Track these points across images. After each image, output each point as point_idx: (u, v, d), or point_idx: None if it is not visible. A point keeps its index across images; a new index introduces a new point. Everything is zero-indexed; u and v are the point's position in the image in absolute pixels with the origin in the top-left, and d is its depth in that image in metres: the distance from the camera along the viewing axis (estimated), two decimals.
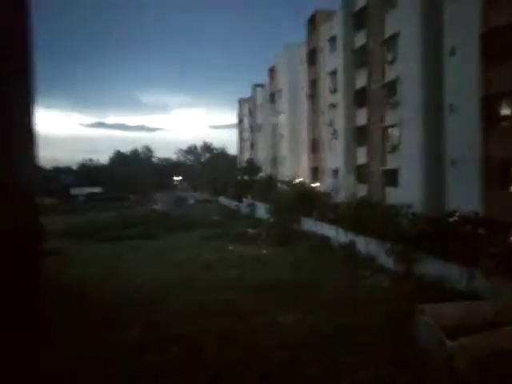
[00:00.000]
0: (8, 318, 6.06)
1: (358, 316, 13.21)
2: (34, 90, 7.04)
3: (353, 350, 10.13)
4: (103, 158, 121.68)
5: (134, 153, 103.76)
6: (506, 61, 18.00)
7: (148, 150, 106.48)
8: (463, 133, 20.26)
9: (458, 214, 17.87)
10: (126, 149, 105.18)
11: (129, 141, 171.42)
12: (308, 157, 41.51)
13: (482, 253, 15.09)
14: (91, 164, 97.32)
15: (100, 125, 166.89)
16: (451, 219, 17.96)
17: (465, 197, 19.57)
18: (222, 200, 58.80)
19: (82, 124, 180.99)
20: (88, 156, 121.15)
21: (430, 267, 17.08)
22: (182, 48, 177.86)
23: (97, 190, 77.99)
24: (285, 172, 45.73)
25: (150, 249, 27.85)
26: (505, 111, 18.68)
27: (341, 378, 7.91)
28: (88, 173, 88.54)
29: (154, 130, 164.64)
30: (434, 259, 17.02)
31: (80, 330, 12.44)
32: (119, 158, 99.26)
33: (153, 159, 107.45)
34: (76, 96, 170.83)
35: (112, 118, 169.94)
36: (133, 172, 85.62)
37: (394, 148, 26.37)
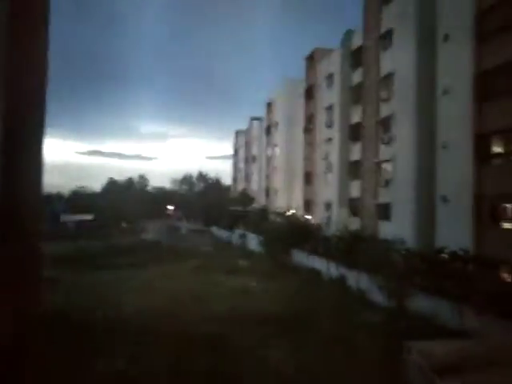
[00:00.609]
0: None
1: (348, 354, 12.82)
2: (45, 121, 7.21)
3: None
4: (97, 186, 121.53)
5: (129, 181, 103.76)
6: (498, 100, 18.47)
7: (143, 179, 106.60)
8: (455, 170, 20.50)
9: (447, 250, 17.79)
10: (121, 177, 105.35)
11: (124, 169, 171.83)
12: (301, 189, 41.69)
13: (472, 290, 14.91)
14: (83, 191, 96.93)
15: (96, 153, 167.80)
16: (441, 256, 17.85)
17: (455, 233, 19.55)
18: (215, 230, 58.41)
19: (77, 152, 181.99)
20: (81, 183, 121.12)
21: (422, 303, 16.82)
22: (182, 79, 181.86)
23: (88, 217, 77.25)
24: (278, 203, 45.77)
25: (138, 279, 27.25)
26: (497, 149, 19.00)
27: None
28: (80, 200, 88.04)
29: (150, 159, 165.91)
30: (426, 295, 16.79)
31: (64, 359, 11.95)
32: (112, 186, 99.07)
33: (147, 188, 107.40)
34: (72, 123, 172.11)
35: (108, 146, 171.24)
36: (125, 200, 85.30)
37: (387, 183, 26.56)
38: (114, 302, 20.60)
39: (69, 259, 34.09)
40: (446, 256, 17.67)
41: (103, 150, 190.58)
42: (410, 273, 18.33)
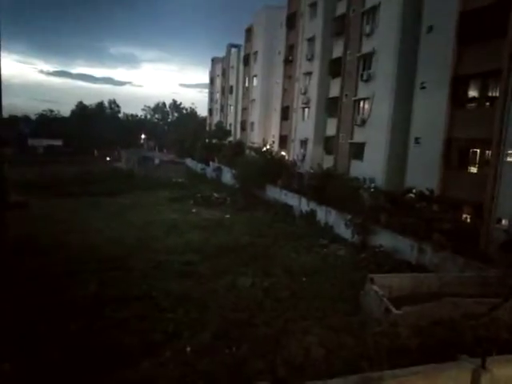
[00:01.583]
0: None
1: (312, 282, 13.71)
2: None
3: (304, 315, 10.56)
4: (65, 109, 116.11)
5: (100, 106, 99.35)
6: (477, 43, 18.28)
7: (114, 105, 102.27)
8: (430, 112, 20.69)
9: (414, 190, 18.55)
10: (90, 101, 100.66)
11: (94, 93, 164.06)
12: (278, 124, 41.33)
13: (434, 228, 15.85)
14: (51, 115, 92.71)
15: (63, 74, 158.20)
16: (408, 195, 18.63)
17: (424, 175, 20.25)
18: (189, 162, 58.07)
19: (42, 71, 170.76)
20: (48, 106, 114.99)
21: (385, 239, 17.83)
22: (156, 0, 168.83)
23: (57, 142, 74.74)
24: (254, 138, 45.46)
25: (112, 206, 27.34)
26: (472, 93, 19.17)
27: (290, 340, 8.26)
28: (48, 123, 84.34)
29: (121, 83, 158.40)
30: (390, 232, 17.75)
31: (41, 284, 12.26)
32: (82, 111, 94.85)
33: (119, 115, 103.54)
34: (38, 40, 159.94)
35: (77, 68, 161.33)
36: (97, 127, 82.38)
37: (363, 122, 26.64)
38: (88, 228, 20.79)
39: (37, 185, 33.52)
40: (412, 196, 18.45)
41: (71, 72, 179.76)
42: (376, 210, 19.18)
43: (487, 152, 17.81)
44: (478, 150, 18.58)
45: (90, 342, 9.16)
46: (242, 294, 12.58)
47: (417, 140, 21.55)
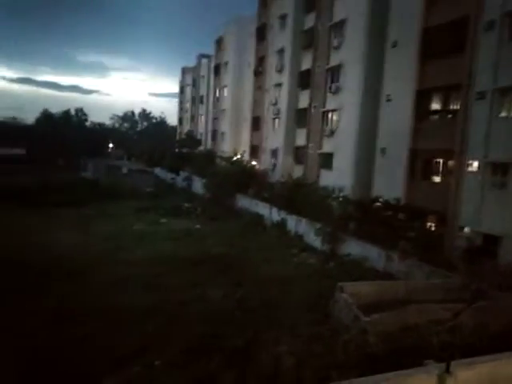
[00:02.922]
0: None
1: (282, 291, 13.72)
2: None
3: (275, 324, 10.52)
4: (30, 117, 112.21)
5: (66, 114, 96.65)
6: (438, 58, 19.10)
7: (81, 113, 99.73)
8: (395, 124, 21.36)
9: (381, 199, 19.01)
10: (56, 109, 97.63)
11: (60, 101, 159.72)
12: (249, 134, 41.53)
13: (400, 236, 16.26)
14: (14, 122, 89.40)
15: (28, 81, 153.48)
16: (375, 204, 19.08)
17: (390, 184, 20.82)
18: (158, 172, 57.26)
19: (5, 78, 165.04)
20: (11, 114, 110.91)
21: (354, 248, 18.13)
22: (127, 7, 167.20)
23: (19, 151, 71.92)
24: (224, 147, 45.45)
25: (77, 217, 26.49)
26: (435, 106, 19.95)
27: (261, 351, 8.20)
28: (10, 132, 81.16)
29: (89, 92, 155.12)
30: (358, 241, 18.07)
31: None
32: (47, 119, 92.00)
33: (86, 123, 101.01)
34: (0, 46, 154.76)
35: (43, 76, 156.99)
36: (63, 135, 79.99)
37: (332, 132, 27.19)
38: (50, 239, 20.05)
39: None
40: (379, 204, 18.90)
41: (36, 79, 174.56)
42: (345, 219, 19.51)
43: (449, 162, 18.53)
44: (441, 161, 19.32)
45: (51, 360, 8.77)
46: (213, 305, 12.42)
47: (383, 150, 22.17)
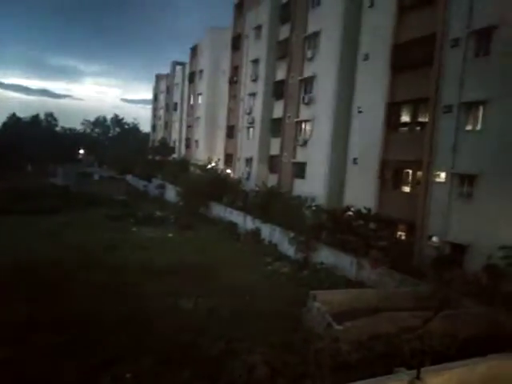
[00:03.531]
0: None
1: (256, 300, 13.68)
2: None
3: (248, 333, 10.47)
4: None
5: (35, 119, 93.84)
6: (408, 72, 19.77)
7: (51, 118, 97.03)
8: (366, 135, 21.88)
9: (353, 208, 19.35)
10: (25, 114, 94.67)
11: (29, 105, 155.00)
12: (223, 142, 41.52)
13: (371, 245, 16.58)
14: None
15: None
16: (347, 213, 19.39)
17: (361, 194, 21.24)
18: (130, 179, 56.31)
19: None
20: None
21: (327, 256, 18.34)
22: (102, 11, 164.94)
23: None
24: (199, 155, 45.24)
25: (44, 225, 25.58)
26: (405, 118, 20.57)
27: (234, 360, 8.14)
28: None
29: (59, 96, 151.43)
30: (330, 249, 18.30)
31: None
32: (15, 123, 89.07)
33: (56, 128, 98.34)
34: None
35: (10, 78, 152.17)
36: (31, 140, 77.56)
37: (305, 142, 27.54)
38: (16, 248, 19.31)
39: None
40: (351, 214, 19.22)
41: (4, 82, 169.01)
42: (318, 228, 19.73)
43: (418, 173, 19.09)
44: (411, 171, 19.88)
45: (20, 371, 8.41)
46: (186, 315, 12.25)
47: (355, 160, 22.62)
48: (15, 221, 26.30)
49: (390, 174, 20.56)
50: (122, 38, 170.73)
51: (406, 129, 20.69)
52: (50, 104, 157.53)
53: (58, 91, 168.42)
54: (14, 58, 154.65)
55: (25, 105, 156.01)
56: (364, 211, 18.91)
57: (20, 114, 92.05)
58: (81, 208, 32.66)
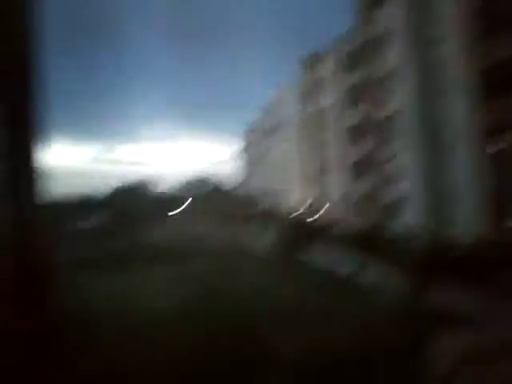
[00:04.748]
0: None
1: None
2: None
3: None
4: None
5: (135, 186, 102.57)
6: None
7: (149, 184, 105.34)
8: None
9: None
10: (124, 184, 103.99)
11: (126, 176, 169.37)
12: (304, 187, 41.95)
13: None
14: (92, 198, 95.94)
15: (97, 160, 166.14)
16: None
17: None
18: None
19: (81, 158, 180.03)
20: (85, 191, 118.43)
21: None
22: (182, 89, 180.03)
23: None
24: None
25: None
26: None
27: None
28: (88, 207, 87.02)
29: (152, 164, 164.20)
30: None
31: None
32: (119, 193, 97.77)
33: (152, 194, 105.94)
34: (75, 129, 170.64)
35: (109, 153, 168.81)
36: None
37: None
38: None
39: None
40: None
41: (104, 157, 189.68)
42: None
43: None
44: None
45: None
46: None
47: None
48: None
49: None
50: (201, 106, 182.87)
51: None
52: (143, 172, 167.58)
53: (148, 160, 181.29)
54: (108, 133, 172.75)
55: (123, 175, 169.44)
56: None
57: (120, 185, 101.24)
58: None
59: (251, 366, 8.94)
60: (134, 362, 9.27)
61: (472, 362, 9.89)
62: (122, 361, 9.33)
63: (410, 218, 24.46)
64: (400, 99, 26.05)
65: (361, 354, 9.29)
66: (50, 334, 6.84)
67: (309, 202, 41.71)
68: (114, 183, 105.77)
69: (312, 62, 39.94)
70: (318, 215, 38.03)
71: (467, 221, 20.20)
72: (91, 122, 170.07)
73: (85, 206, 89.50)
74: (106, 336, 11.03)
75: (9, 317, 5.91)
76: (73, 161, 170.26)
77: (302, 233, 32.62)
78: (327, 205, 36.63)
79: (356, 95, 31.74)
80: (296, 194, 46.28)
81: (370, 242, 23.74)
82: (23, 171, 6.31)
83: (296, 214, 37.74)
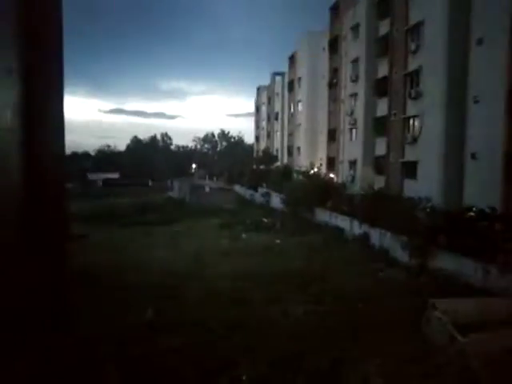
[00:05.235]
0: (38, 303, 6.15)
1: (368, 309, 13.14)
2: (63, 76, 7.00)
3: (361, 344, 10.09)
4: (121, 144, 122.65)
5: (153, 140, 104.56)
6: None
7: (167, 137, 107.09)
8: (486, 126, 19.72)
9: (474, 208, 17.49)
10: (144, 135, 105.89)
11: (147, 127, 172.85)
12: (325, 147, 41.15)
13: (498, 248, 14.79)
14: (109, 150, 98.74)
15: (119, 111, 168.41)
16: (468, 214, 17.60)
17: (483, 192, 19.13)
18: (238, 189, 58.94)
19: (100, 110, 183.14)
20: (106, 142, 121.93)
21: (446, 262, 16.83)
22: (201, 35, 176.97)
23: (114, 175, 79.22)
24: (301, 162, 45.47)
25: (166, 235, 28.23)
26: None
27: (348, 372, 7.90)
28: (105, 158, 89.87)
29: (172, 117, 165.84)
30: (450, 254, 16.76)
31: (100, 314, 12.63)
32: (137, 145, 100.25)
33: (171, 146, 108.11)
34: (95, 82, 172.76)
35: (131, 105, 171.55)
36: (150, 158, 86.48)
37: (414, 140, 25.89)
38: (145, 256, 21.49)
39: (97, 216, 35.43)
40: (472, 214, 17.42)
41: (126, 109, 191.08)
42: (434, 231, 18.24)
43: None
44: None
45: (147, 369, 9.29)
46: (295, 322, 12.30)
47: (473, 155, 20.53)
48: (141, 231, 29.46)
49: None
50: (222, 54, 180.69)
51: None
52: (164, 124, 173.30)
53: (170, 112, 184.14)
54: (132, 86, 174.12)
55: (144, 127, 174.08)
56: (487, 211, 16.99)
57: (140, 136, 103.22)
58: (196, 218, 35.31)
59: None
60: None
61: (479, 325, 9.60)
62: None
63: (425, 181, 23.40)
64: (428, 52, 24.12)
65: None
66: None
67: (320, 163, 40.63)
68: (134, 135, 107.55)
69: (342, 7, 37.39)
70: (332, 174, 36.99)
71: (484, 186, 19.06)
72: (109, 75, 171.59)
73: (102, 158, 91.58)
74: None
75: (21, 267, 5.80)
76: (91, 113, 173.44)
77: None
78: (345, 162, 35.50)
79: (385, 46, 29.65)
80: (309, 154, 45.09)
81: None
82: (40, 122, 6.25)
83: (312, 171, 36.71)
